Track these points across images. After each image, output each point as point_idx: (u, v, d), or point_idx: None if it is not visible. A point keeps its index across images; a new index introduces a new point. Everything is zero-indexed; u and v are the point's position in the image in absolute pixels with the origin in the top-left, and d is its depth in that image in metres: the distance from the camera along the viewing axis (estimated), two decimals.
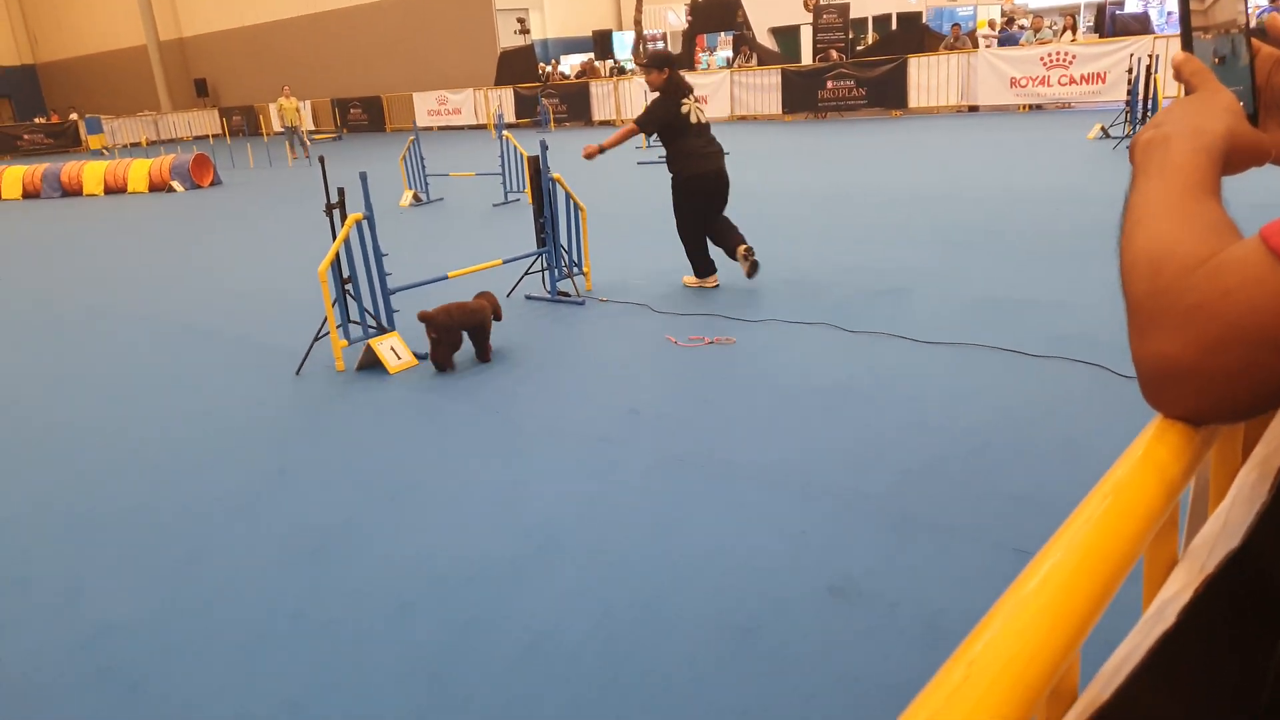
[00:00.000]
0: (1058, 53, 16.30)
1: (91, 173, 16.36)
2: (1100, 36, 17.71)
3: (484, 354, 5.09)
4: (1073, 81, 16.20)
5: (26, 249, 10.86)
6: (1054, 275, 5.91)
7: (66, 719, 2.41)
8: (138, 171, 16.08)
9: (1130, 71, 12.03)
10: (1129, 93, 11.89)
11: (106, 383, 5.35)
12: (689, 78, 19.37)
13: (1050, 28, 19.28)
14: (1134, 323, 0.61)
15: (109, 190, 16.19)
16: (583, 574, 2.88)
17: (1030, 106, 17.01)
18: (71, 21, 38.82)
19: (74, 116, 31.46)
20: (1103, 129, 12.34)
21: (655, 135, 6.15)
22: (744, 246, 6.03)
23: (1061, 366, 4.29)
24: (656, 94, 6.08)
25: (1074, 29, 18.54)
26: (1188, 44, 0.74)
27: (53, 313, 7.30)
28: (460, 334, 5.00)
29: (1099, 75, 15.82)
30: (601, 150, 6.08)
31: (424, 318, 4.86)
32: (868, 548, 2.90)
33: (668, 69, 6.05)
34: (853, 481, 3.33)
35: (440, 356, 4.93)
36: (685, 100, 6.02)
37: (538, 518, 3.26)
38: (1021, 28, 19.80)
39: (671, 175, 6.13)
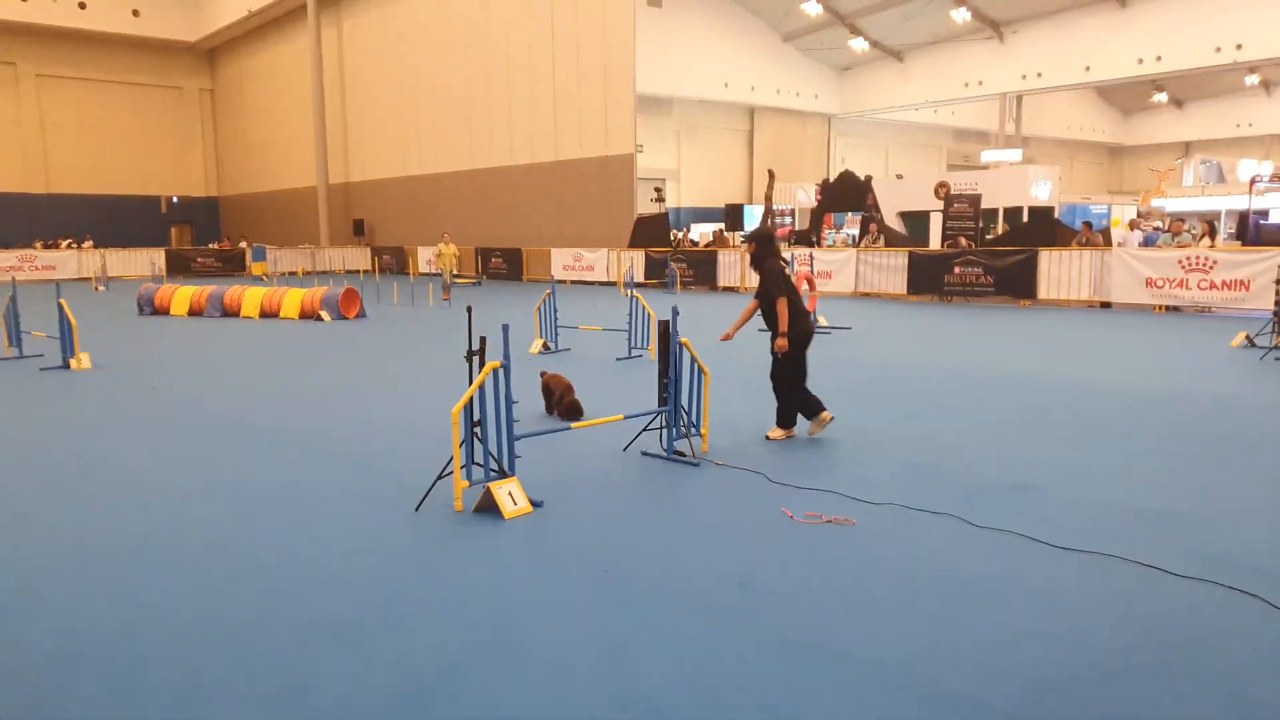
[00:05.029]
0: (1199, 257, 15.96)
1: (251, 298, 17.75)
2: (1243, 244, 17.26)
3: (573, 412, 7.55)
4: (1213, 287, 15.74)
5: (184, 362, 11.74)
6: (1198, 486, 5.56)
7: None
8: (291, 300, 17.36)
9: (1278, 282, 11.65)
10: (1277, 303, 11.49)
11: (235, 495, 5.59)
12: (815, 253, 19.95)
13: (1189, 231, 18.98)
14: None
15: (264, 314, 17.49)
16: None
17: (1166, 308, 16.54)
18: (255, 164, 43.35)
19: (243, 244, 34.59)
20: (1248, 338, 11.85)
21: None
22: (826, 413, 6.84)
23: (1210, 591, 3.96)
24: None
25: (1212, 235, 18.18)
26: None
27: (196, 423, 7.77)
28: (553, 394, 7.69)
29: (1242, 283, 15.34)
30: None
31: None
32: None
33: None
34: (979, 690, 3.10)
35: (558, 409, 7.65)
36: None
37: (639, 690, 3.15)
38: (1157, 229, 19.56)
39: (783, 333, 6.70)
